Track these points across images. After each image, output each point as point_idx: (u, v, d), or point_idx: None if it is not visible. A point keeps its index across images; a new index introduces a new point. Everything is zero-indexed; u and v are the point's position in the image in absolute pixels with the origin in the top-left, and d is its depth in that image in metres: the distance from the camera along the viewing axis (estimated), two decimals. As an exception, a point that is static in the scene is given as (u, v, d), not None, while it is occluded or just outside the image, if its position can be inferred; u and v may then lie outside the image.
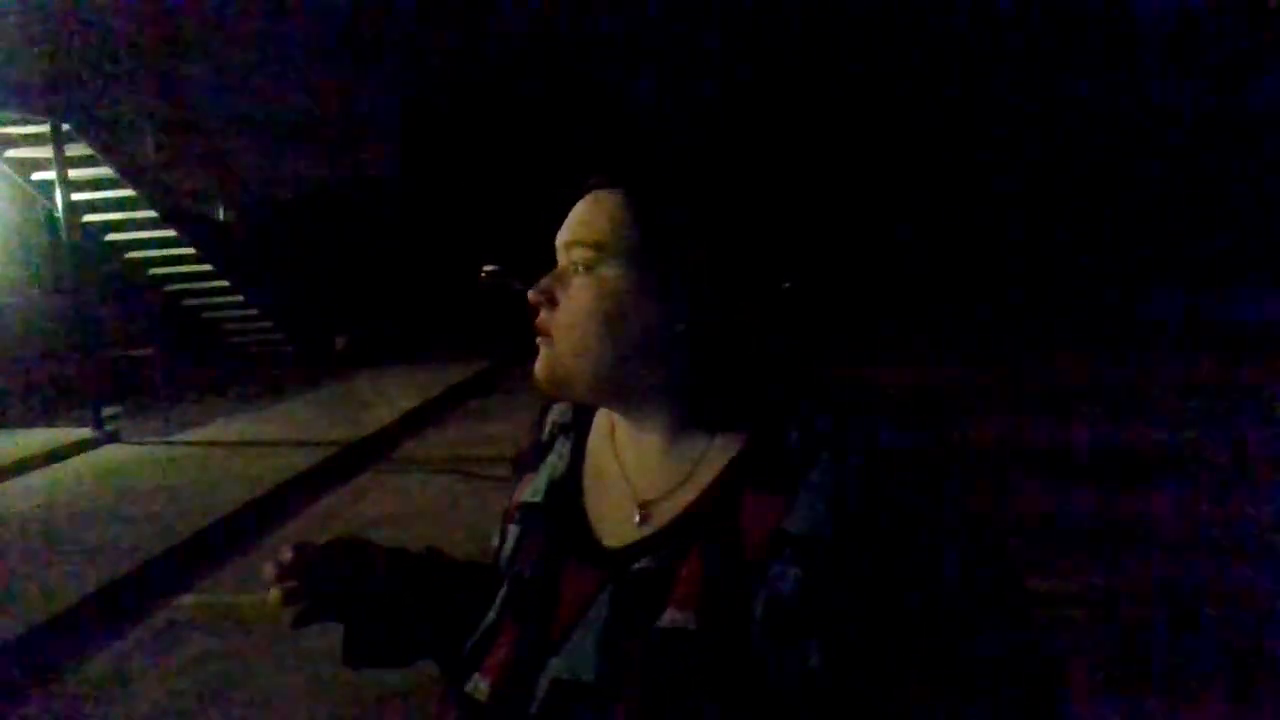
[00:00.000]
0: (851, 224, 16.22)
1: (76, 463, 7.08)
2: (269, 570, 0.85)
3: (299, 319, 13.02)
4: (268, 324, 12.77)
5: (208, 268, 11.66)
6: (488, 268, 17.27)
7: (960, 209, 16.81)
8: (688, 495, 0.80)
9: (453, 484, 6.42)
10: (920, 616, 0.72)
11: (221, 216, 13.11)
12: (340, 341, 13.39)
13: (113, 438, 7.79)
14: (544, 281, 0.84)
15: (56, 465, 6.96)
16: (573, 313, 0.81)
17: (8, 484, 6.43)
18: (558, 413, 0.98)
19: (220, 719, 3.28)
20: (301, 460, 6.77)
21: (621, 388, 0.82)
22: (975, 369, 10.16)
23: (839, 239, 15.25)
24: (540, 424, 0.99)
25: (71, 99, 8.96)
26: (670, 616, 0.74)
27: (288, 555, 0.85)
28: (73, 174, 8.53)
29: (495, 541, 0.96)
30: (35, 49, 8.30)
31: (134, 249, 11.29)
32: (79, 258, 8.41)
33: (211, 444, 7.63)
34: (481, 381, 11.18)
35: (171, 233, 10.93)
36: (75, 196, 8.68)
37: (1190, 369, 9.31)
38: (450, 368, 11.64)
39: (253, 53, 12.87)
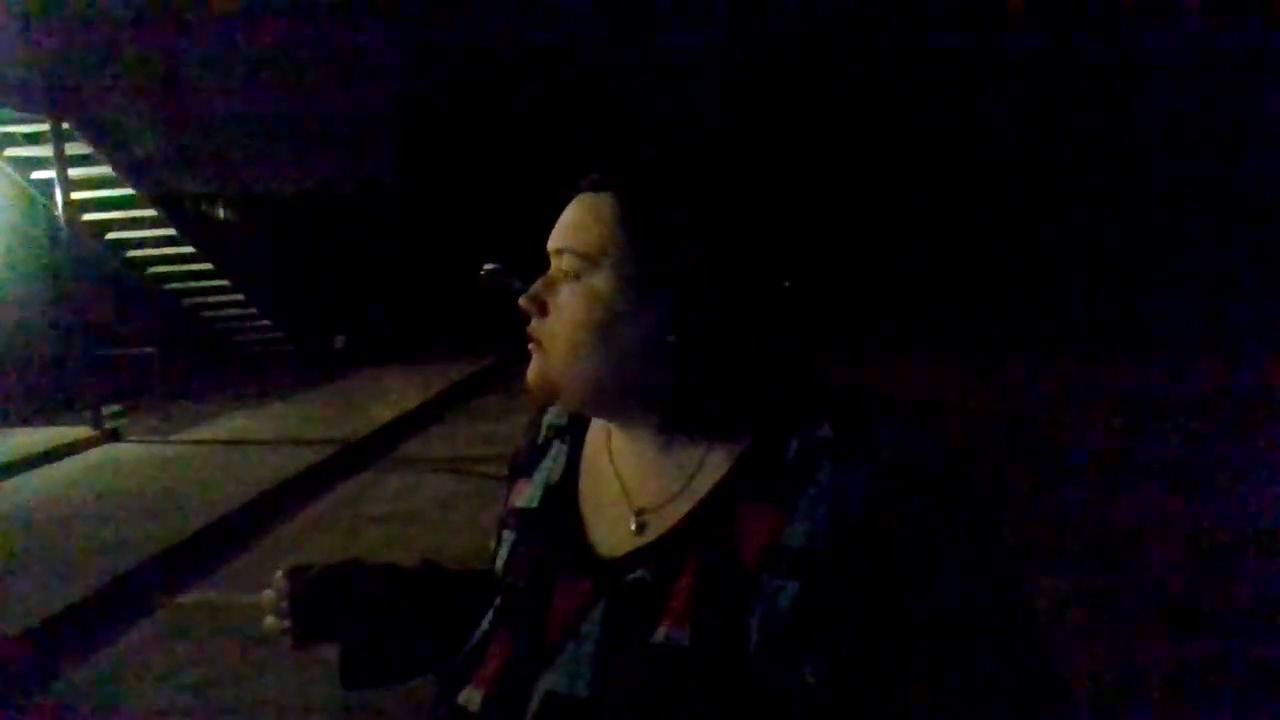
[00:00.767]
0: (851, 224, 16.21)
1: (76, 461, 7.07)
2: (267, 597, 0.87)
3: (299, 318, 12.99)
4: (267, 323, 12.76)
5: (208, 267, 11.64)
6: (487, 266, 17.24)
7: (960, 209, 16.80)
8: (685, 505, 0.78)
9: (453, 483, 6.42)
10: (921, 633, 0.70)
11: (221, 216, 13.11)
12: (340, 341, 13.37)
13: (113, 437, 7.79)
14: (534, 288, 0.83)
15: (56, 464, 6.95)
16: (563, 322, 0.80)
17: (8, 483, 6.42)
18: (554, 415, 0.96)
19: (220, 719, 3.28)
20: (302, 459, 6.77)
21: (614, 396, 0.81)
22: (975, 369, 10.15)
23: (838, 239, 15.24)
24: (536, 427, 0.98)
25: (71, 99, 8.93)
26: (664, 631, 0.73)
27: (283, 583, 0.86)
28: (73, 173, 8.50)
29: (494, 544, 0.95)
30: (35, 49, 8.27)
31: (134, 249, 11.27)
32: (79, 257, 8.39)
33: (211, 443, 7.64)
34: (482, 381, 11.18)
35: (171, 232, 10.92)
36: (75, 196, 8.66)
37: (1190, 369, 9.31)
38: (450, 367, 11.63)
39: (253, 52, 12.86)
